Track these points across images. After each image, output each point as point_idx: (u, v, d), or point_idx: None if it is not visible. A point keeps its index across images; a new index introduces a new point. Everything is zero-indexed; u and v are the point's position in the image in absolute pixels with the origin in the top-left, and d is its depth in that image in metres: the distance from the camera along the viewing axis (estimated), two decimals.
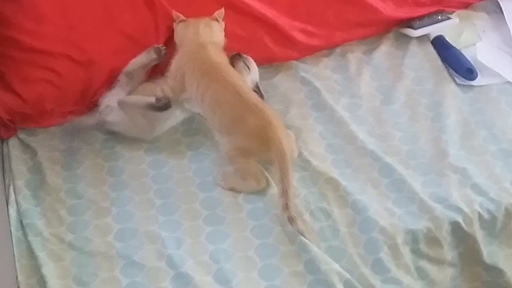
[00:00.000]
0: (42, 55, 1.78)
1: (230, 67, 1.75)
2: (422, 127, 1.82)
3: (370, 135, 1.80)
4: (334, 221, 1.62)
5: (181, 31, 1.79)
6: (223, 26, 1.81)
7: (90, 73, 1.80)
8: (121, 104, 1.77)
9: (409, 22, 2.02)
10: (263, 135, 1.64)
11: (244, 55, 1.84)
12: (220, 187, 1.69)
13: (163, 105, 1.73)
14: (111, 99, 1.80)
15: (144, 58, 1.81)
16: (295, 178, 1.69)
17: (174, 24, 1.81)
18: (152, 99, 1.73)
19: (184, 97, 1.75)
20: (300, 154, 1.74)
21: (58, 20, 1.79)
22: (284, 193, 1.58)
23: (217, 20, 1.80)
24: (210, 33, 1.78)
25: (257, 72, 1.86)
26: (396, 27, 2.05)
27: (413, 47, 2.01)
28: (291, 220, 1.56)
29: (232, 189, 1.68)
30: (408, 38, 2.02)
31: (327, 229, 1.61)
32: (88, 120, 1.81)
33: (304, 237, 1.56)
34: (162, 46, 1.81)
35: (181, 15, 1.80)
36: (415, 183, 1.69)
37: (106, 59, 1.80)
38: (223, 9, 1.80)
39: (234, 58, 1.82)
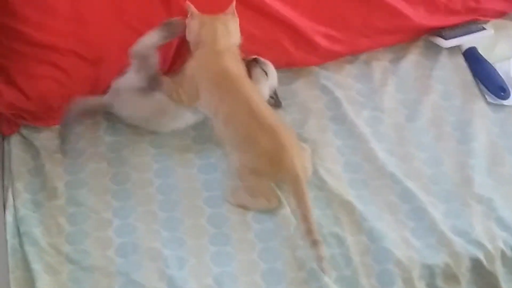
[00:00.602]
0: (48, 50, 1.70)
1: (247, 80, 1.67)
2: (448, 148, 1.74)
3: (391, 154, 1.72)
4: (347, 248, 1.55)
5: (195, 30, 1.68)
6: (238, 21, 1.70)
7: (98, 71, 1.73)
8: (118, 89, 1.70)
9: (440, 31, 1.92)
10: (275, 158, 1.57)
11: (262, 60, 1.76)
12: (228, 203, 1.62)
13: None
14: (122, 83, 1.70)
15: (155, 37, 1.67)
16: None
17: (187, 19, 1.70)
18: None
19: (199, 105, 1.67)
20: (316, 172, 1.66)
21: (67, 14, 1.70)
22: (304, 218, 1.51)
23: (232, 16, 1.69)
24: (228, 36, 1.68)
25: (276, 78, 1.78)
26: (426, 35, 1.95)
27: (443, 58, 1.91)
28: (315, 243, 1.48)
29: (241, 206, 1.61)
30: (439, 47, 1.92)
31: (339, 257, 1.54)
32: (95, 101, 1.72)
33: (322, 264, 1.48)
34: (177, 20, 1.69)
35: (194, 8, 1.68)
36: (436, 212, 1.61)
37: (116, 56, 1.72)
38: (234, 2, 1.68)
39: (251, 64, 1.73)
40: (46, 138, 1.73)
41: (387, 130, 1.77)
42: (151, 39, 1.66)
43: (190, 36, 1.70)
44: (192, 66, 1.67)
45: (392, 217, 1.60)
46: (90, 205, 1.61)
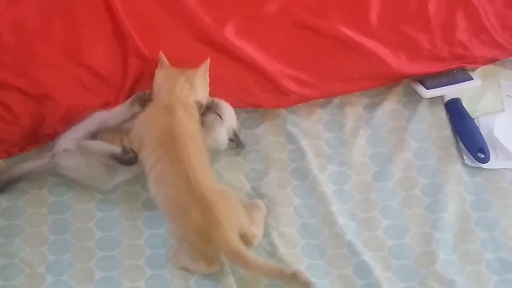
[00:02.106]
0: None
1: (192, 143, 1.58)
2: (414, 216, 1.65)
3: (352, 218, 1.63)
4: None
5: (159, 80, 1.65)
6: (208, 79, 1.67)
7: (43, 108, 1.67)
8: (82, 149, 1.62)
9: (422, 77, 1.83)
10: (206, 232, 1.48)
11: (216, 101, 1.70)
12: (172, 264, 1.54)
13: (128, 159, 1.59)
14: (69, 141, 1.64)
15: (126, 111, 1.65)
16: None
17: (157, 68, 1.66)
18: (118, 150, 1.60)
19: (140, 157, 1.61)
20: (268, 235, 1.59)
21: (15, 47, 1.64)
22: (280, 274, 1.47)
23: (203, 73, 1.66)
24: (189, 91, 1.64)
25: (234, 119, 1.73)
26: (407, 80, 1.85)
27: (423, 108, 1.82)
28: (295, 275, 1.45)
29: (183, 268, 1.53)
30: (419, 96, 1.82)
31: None
32: (36, 163, 1.65)
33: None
34: (146, 93, 1.65)
35: (165, 60, 1.65)
36: None
37: (65, 95, 1.66)
38: (208, 60, 1.65)
39: (204, 111, 1.67)
40: None
41: (352, 190, 1.69)
42: (122, 114, 1.65)
43: (154, 86, 1.66)
44: (141, 117, 1.62)
45: None
46: (23, 257, 1.53)
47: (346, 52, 1.78)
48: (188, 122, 1.61)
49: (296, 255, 1.57)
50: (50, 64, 1.66)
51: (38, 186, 1.65)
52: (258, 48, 1.75)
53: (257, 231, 1.57)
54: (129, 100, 1.66)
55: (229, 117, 1.71)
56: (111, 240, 1.58)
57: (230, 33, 1.73)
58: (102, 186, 1.65)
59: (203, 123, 1.67)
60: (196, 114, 1.64)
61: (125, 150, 1.59)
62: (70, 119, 1.66)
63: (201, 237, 1.49)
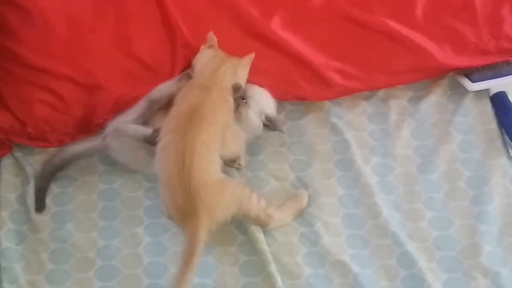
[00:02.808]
0: (44, 75, 1.68)
1: (210, 127, 1.55)
2: (459, 209, 1.64)
3: (396, 210, 1.64)
4: None
5: (204, 58, 1.65)
6: (248, 71, 1.67)
7: (94, 98, 1.70)
8: (118, 132, 1.64)
9: (467, 71, 1.81)
10: (182, 217, 1.50)
11: (247, 86, 1.69)
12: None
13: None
14: (121, 123, 1.66)
15: (173, 86, 1.66)
16: (302, 253, 1.56)
17: (202, 46, 1.67)
18: (149, 131, 1.60)
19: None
20: (312, 224, 1.61)
21: (67, 38, 1.68)
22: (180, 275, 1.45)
23: (247, 63, 1.66)
24: (231, 77, 1.63)
25: (268, 103, 1.72)
26: (452, 73, 1.84)
27: (468, 102, 1.81)
28: None
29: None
30: (464, 89, 1.81)
31: None
32: (86, 145, 1.68)
33: None
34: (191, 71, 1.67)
35: (215, 40, 1.66)
36: (436, 282, 1.52)
37: (114, 85, 1.69)
38: (253, 54, 1.66)
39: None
40: (38, 161, 1.69)
41: (396, 182, 1.68)
42: (169, 88, 1.66)
43: (197, 64, 1.66)
44: (179, 94, 1.61)
45: (388, 283, 1.53)
46: (74, 241, 1.59)
47: (391, 45, 1.78)
48: (219, 107, 1.60)
49: (339, 245, 1.58)
50: (100, 55, 1.69)
51: (88, 174, 1.69)
52: (304, 41, 1.76)
53: (276, 213, 1.57)
54: (178, 76, 1.67)
55: (259, 102, 1.70)
56: (158, 226, 1.62)
57: (276, 26, 1.75)
58: (146, 170, 1.66)
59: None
60: (231, 100, 1.62)
61: (155, 131, 1.58)
62: (119, 109, 1.69)
63: (178, 217, 1.51)
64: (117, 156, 1.67)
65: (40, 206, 1.63)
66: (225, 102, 1.61)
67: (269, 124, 1.70)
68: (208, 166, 1.53)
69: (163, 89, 1.68)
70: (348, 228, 1.61)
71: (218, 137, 1.57)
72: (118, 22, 1.70)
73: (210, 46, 1.67)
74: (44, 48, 1.67)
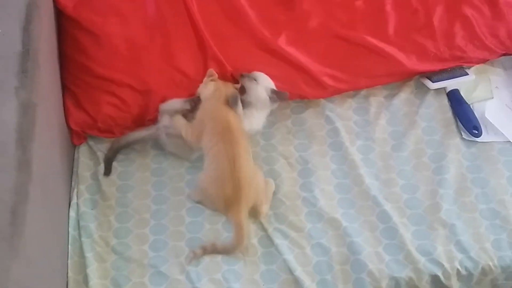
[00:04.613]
0: (110, 83, 1.68)
1: (242, 135, 1.58)
2: (423, 177, 1.64)
3: (376, 179, 1.64)
4: (330, 257, 1.51)
5: (207, 90, 1.64)
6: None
7: (147, 100, 1.69)
8: (166, 129, 1.66)
9: (429, 74, 1.79)
10: (228, 205, 1.52)
11: (252, 74, 1.69)
12: (187, 196, 1.61)
13: None
14: (174, 104, 1.67)
15: (179, 104, 1.66)
16: (303, 212, 1.57)
17: (205, 79, 1.66)
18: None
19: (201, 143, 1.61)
20: (312, 190, 1.61)
21: (127, 55, 1.68)
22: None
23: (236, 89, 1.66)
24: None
25: (269, 81, 1.69)
26: (417, 76, 1.82)
27: (430, 97, 1.79)
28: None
29: (198, 202, 1.59)
30: (427, 88, 1.79)
31: (323, 264, 1.50)
32: (142, 133, 1.70)
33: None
34: (198, 99, 1.65)
35: (215, 74, 1.66)
36: (406, 232, 1.53)
37: (161, 90, 1.69)
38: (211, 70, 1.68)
39: (240, 80, 1.69)
40: (106, 148, 1.70)
41: (375, 158, 1.68)
42: (176, 104, 1.66)
43: (202, 91, 1.64)
44: (201, 112, 1.61)
45: (370, 234, 1.54)
46: (134, 207, 1.60)
47: (370, 56, 1.76)
48: (237, 118, 1.60)
49: (333, 206, 1.59)
50: (151, 68, 1.69)
51: (143, 157, 1.69)
52: (303, 54, 1.74)
53: (264, 209, 1.56)
54: (185, 99, 1.66)
55: (263, 80, 1.68)
56: None
57: (282, 42, 1.74)
58: (186, 156, 1.67)
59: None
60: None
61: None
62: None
63: (224, 205, 1.53)
64: (164, 145, 1.68)
65: (107, 171, 1.66)
66: (238, 117, 1.62)
67: (274, 96, 1.68)
68: (247, 166, 1.55)
69: (172, 104, 1.67)
70: (339, 193, 1.61)
71: (247, 142, 1.59)
72: (164, 42, 1.69)
73: (212, 80, 1.65)
74: (109, 63, 1.67)
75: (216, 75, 1.66)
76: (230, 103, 1.61)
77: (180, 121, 1.63)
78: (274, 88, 1.69)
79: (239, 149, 1.55)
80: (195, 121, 1.62)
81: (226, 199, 1.52)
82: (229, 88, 1.65)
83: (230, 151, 1.53)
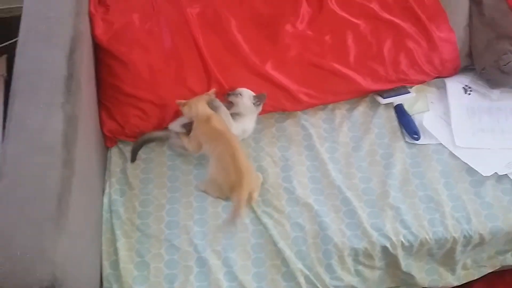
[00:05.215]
0: (135, 99, 1.66)
1: (232, 135, 1.56)
2: (376, 171, 1.64)
3: (340, 173, 1.63)
4: (305, 233, 1.51)
5: (188, 112, 1.59)
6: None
7: (164, 112, 1.68)
8: (173, 134, 1.65)
9: (380, 92, 1.79)
10: (233, 188, 1.50)
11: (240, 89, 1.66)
12: (195, 186, 1.58)
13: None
14: (174, 127, 1.66)
15: (177, 127, 1.64)
16: (284, 199, 1.56)
17: (180, 107, 1.61)
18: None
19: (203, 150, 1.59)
20: (291, 181, 1.60)
21: (148, 78, 1.66)
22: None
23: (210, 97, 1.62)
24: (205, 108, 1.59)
25: (250, 92, 1.66)
26: (371, 94, 1.81)
27: (381, 110, 1.78)
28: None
29: (203, 191, 1.57)
30: (378, 103, 1.79)
31: (300, 238, 1.50)
32: (159, 133, 1.69)
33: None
34: (190, 123, 1.60)
35: (182, 101, 1.59)
36: (363, 213, 1.54)
37: (175, 104, 1.65)
38: (214, 89, 1.63)
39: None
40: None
41: (339, 157, 1.67)
42: (176, 126, 1.64)
43: (186, 115, 1.61)
44: (194, 128, 1.59)
45: (335, 215, 1.54)
46: (154, 194, 1.58)
47: (336, 78, 1.75)
48: (222, 122, 1.57)
49: (307, 194, 1.58)
50: (167, 87, 1.66)
51: (160, 156, 1.66)
52: (285, 77, 1.72)
53: (255, 195, 1.55)
54: (182, 124, 1.63)
55: (247, 93, 1.64)
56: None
57: (269, 68, 1.71)
58: (189, 154, 1.63)
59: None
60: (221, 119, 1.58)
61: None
62: (177, 118, 1.67)
63: (230, 188, 1.51)
64: (173, 146, 1.67)
65: (133, 159, 1.64)
66: (222, 119, 1.59)
67: (256, 100, 1.65)
68: (245, 157, 1.54)
69: (175, 126, 1.65)
70: (312, 184, 1.60)
71: (238, 140, 1.57)
72: (177, 68, 1.67)
73: (184, 104, 1.59)
74: (135, 84, 1.65)
75: (182, 101, 1.59)
76: (213, 108, 1.59)
77: (183, 138, 1.61)
78: (254, 94, 1.67)
79: (236, 146, 1.53)
80: (191, 137, 1.59)
81: (231, 184, 1.50)
82: (201, 101, 1.59)
83: (230, 149, 1.52)
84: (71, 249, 1.19)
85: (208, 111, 1.59)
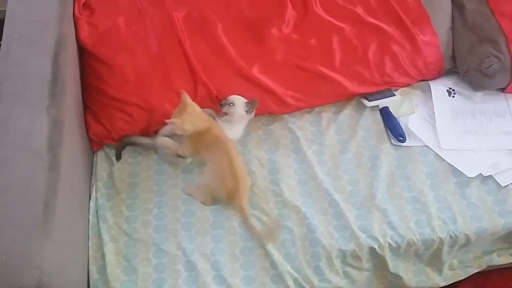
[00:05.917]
0: (121, 103, 1.65)
1: (230, 142, 1.56)
2: (363, 173, 1.65)
3: (327, 175, 1.64)
4: (294, 235, 1.51)
5: (186, 131, 1.54)
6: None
7: (150, 116, 1.67)
8: (158, 141, 1.64)
9: (366, 95, 1.81)
10: (231, 195, 1.51)
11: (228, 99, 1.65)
12: (182, 189, 1.57)
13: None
14: (166, 133, 1.65)
15: (167, 131, 1.63)
16: (272, 201, 1.57)
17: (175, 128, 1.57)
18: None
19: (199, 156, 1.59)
20: (278, 184, 1.60)
21: (134, 81, 1.65)
22: (254, 233, 1.49)
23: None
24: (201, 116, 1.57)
25: (242, 99, 1.64)
26: (357, 97, 1.83)
27: (367, 113, 1.80)
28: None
29: (188, 195, 1.56)
30: (364, 105, 1.81)
31: (288, 241, 1.51)
32: (146, 140, 1.68)
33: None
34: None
35: (175, 120, 1.55)
36: (351, 216, 1.55)
37: (162, 108, 1.66)
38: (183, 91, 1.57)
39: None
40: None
41: (326, 159, 1.68)
42: (165, 131, 1.63)
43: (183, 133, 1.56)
44: (191, 138, 1.56)
45: (323, 217, 1.55)
46: (140, 199, 1.57)
47: (322, 81, 1.75)
48: (221, 130, 1.58)
49: (295, 196, 1.58)
50: (154, 91, 1.66)
51: (147, 160, 1.66)
52: (271, 80, 1.73)
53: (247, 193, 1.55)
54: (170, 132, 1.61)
55: (239, 101, 1.64)
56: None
57: (255, 71, 1.72)
58: (179, 163, 1.63)
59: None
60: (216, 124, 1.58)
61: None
62: (163, 122, 1.63)
63: (227, 196, 1.51)
64: (160, 154, 1.65)
65: (118, 157, 1.64)
66: (221, 129, 1.59)
67: (249, 107, 1.65)
68: (241, 163, 1.55)
69: (163, 131, 1.64)
70: (299, 186, 1.61)
71: (234, 145, 1.57)
72: (164, 71, 1.67)
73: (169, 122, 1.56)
74: (121, 87, 1.65)
75: (169, 121, 1.55)
76: (215, 117, 1.61)
77: (175, 146, 1.60)
78: (246, 101, 1.66)
79: (233, 152, 1.53)
80: (187, 145, 1.57)
81: (228, 192, 1.50)
82: (197, 117, 1.55)
83: (227, 156, 1.51)
84: (57, 254, 1.18)
85: (206, 119, 1.58)
